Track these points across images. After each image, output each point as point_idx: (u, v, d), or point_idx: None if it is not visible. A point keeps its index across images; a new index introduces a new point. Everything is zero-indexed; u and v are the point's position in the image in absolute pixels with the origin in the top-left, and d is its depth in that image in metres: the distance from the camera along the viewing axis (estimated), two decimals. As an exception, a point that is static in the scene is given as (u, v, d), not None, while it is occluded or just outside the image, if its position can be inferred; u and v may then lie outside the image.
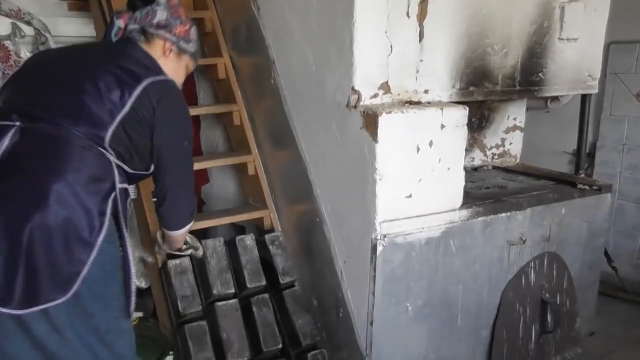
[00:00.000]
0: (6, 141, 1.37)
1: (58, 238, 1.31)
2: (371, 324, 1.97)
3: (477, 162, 2.91)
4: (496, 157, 2.97)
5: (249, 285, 2.25)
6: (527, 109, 3.04)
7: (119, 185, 1.46)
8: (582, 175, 2.80)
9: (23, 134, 1.39)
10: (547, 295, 2.39)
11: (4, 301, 1.29)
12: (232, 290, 2.21)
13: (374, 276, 1.93)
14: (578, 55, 2.52)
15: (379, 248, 1.92)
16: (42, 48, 2.75)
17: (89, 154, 1.41)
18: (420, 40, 2.04)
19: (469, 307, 2.19)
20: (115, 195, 1.45)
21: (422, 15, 2.02)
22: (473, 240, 2.14)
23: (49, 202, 1.31)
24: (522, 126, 3.01)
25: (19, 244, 1.28)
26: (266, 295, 2.28)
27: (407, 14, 1.99)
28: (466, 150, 2.14)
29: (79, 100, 1.45)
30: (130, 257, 1.49)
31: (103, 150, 1.45)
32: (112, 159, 1.47)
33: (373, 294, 1.95)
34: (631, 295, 3.24)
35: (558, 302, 2.44)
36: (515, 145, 3.02)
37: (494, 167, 2.93)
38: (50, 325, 1.34)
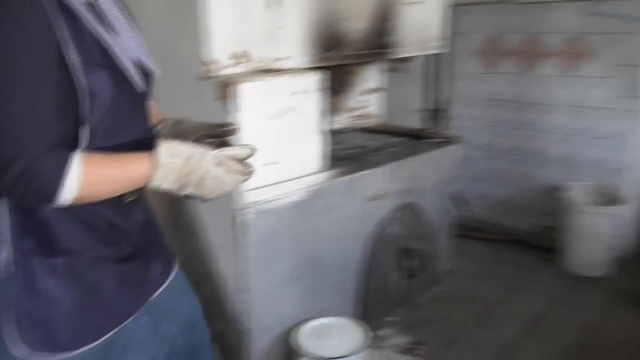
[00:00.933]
0: None
1: None
2: (244, 292, 2.02)
3: (339, 125, 3.02)
4: (358, 118, 3.11)
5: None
6: (390, 70, 3.20)
7: None
8: (434, 130, 3.04)
9: None
10: (409, 242, 2.61)
11: None
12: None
13: (243, 245, 1.97)
14: (424, 18, 2.69)
15: (246, 217, 1.94)
16: None
17: None
18: (277, 7, 2.04)
19: (337, 263, 2.32)
20: None
21: (276, -19, 2.02)
22: (337, 199, 2.25)
23: None
24: (382, 87, 3.17)
25: None
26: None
27: (261, -21, 1.98)
28: (328, 113, 2.21)
29: None
30: None
31: None
32: None
33: (243, 262, 1.99)
34: (485, 234, 3.63)
35: (419, 247, 2.67)
36: (375, 106, 3.18)
37: (357, 129, 3.06)
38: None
